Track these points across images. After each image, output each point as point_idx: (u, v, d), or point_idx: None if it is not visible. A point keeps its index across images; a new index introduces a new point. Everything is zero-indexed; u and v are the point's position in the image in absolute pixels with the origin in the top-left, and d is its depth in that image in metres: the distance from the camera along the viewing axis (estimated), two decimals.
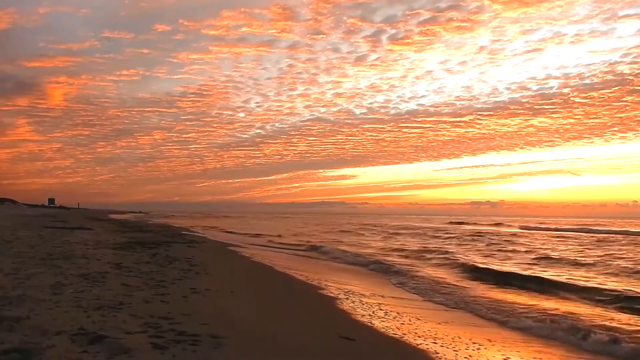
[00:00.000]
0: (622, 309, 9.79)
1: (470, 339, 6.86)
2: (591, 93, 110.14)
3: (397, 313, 8.40)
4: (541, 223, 72.02)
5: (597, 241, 30.62)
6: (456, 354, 5.91)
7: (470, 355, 5.92)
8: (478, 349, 6.35)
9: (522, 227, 55.39)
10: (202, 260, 12.49)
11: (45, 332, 4.71)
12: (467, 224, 69.04)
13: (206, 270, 10.63)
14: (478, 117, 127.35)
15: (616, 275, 14.83)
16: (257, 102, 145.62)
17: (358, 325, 7.02)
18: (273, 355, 4.86)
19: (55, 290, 6.94)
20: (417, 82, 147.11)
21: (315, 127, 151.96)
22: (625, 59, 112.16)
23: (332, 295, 9.61)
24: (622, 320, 8.83)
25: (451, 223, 70.79)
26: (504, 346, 6.74)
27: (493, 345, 6.72)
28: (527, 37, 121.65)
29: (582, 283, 12.81)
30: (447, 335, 6.97)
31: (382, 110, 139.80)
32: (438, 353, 5.83)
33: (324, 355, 5.18)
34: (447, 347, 6.19)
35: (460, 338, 6.88)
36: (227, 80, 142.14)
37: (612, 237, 36.20)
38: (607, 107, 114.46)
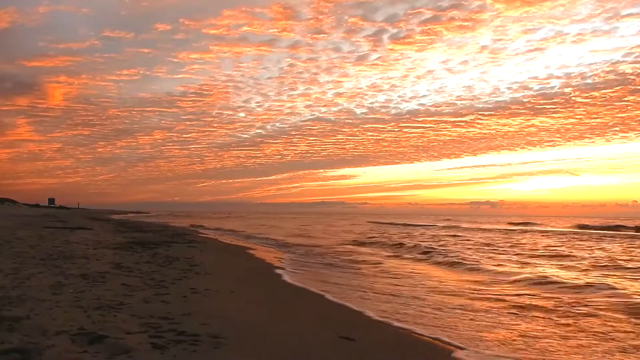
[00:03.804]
0: None
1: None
2: (593, 93, 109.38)
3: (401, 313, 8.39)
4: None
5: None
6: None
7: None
8: None
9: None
10: (203, 260, 12.51)
11: (45, 332, 4.71)
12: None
13: (206, 270, 10.64)
14: (479, 117, 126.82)
15: None
16: (257, 102, 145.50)
17: (358, 325, 7.01)
18: (273, 355, 4.86)
19: (55, 290, 6.94)
20: (418, 81, 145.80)
21: (316, 127, 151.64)
22: (627, 58, 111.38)
23: (334, 295, 9.60)
24: None
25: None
26: None
27: None
28: (528, 37, 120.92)
29: None
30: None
31: (383, 110, 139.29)
32: (442, 350, 5.82)
33: (324, 355, 5.17)
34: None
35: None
36: (227, 80, 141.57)
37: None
38: (608, 107, 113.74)
